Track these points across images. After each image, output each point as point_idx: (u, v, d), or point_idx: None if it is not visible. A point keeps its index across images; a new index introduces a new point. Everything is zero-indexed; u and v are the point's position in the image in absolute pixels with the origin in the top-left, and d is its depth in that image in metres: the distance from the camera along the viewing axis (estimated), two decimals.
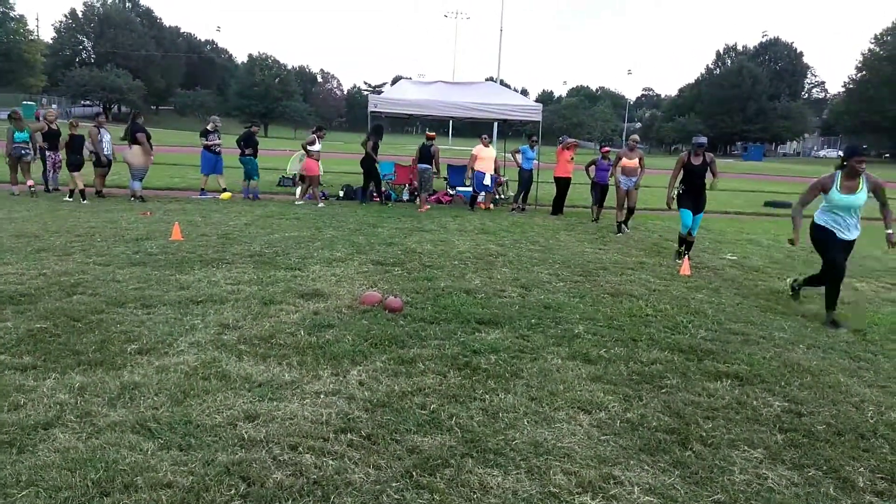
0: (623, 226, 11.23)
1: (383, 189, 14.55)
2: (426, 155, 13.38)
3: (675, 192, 8.65)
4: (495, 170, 13.87)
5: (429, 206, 13.51)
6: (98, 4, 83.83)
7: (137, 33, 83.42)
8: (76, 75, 71.93)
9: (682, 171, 8.61)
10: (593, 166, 12.46)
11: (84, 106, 77.03)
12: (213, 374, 3.80)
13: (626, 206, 11.28)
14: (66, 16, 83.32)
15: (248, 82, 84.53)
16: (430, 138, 13.48)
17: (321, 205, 12.72)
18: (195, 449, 2.93)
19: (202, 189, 13.55)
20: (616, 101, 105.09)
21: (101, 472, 2.67)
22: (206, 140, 13.42)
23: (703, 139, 8.68)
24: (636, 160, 11.30)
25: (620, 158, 11.34)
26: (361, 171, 13.96)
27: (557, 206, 13.62)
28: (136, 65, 79.59)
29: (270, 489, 2.64)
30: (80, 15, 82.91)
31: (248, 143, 13.42)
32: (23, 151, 12.19)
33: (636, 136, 12.18)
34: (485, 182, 13.38)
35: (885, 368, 4.59)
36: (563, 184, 13.52)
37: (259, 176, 13.76)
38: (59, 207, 10.66)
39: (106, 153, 12.54)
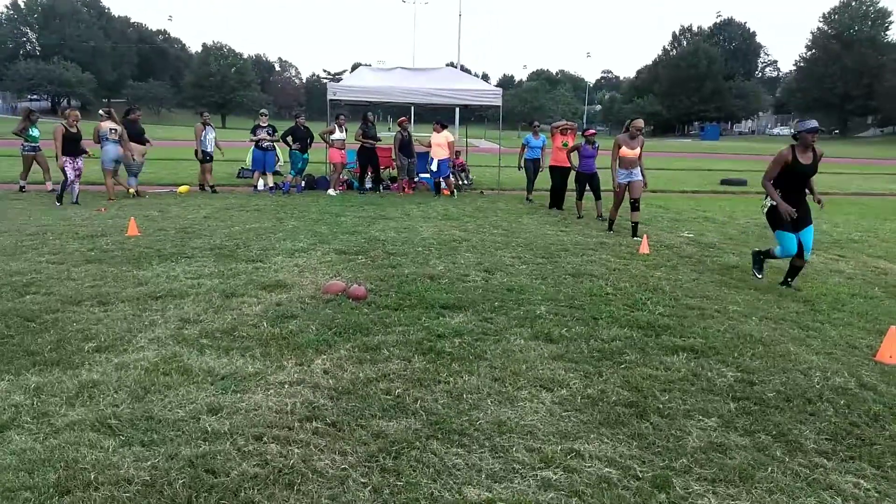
0: (635, 228, 9.00)
1: (346, 178, 14.52)
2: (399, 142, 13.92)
3: (768, 203, 6.12)
4: (456, 154, 14.04)
5: (410, 191, 14.16)
6: None
7: (85, 24, 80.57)
8: (21, 69, 69.26)
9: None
10: (576, 153, 10.88)
11: (31, 100, 74.14)
12: (175, 369, 3.76)
13: (632, 201, 9.05)
14: (7, 6, 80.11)
15: (204, 73, 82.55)
16: (400, 125, 13.98)
17: (333, 193, 13.20)
18: (157, 444, 2.91)
19: (270, 186, 13.69)
20: (576, 83, 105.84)
21: (60, 472, 2.64)
22: (254, 136, 13.68)
23: (643, 122, 7.07)
24: (638, 149, 8.93)
25: (619, 147, 8.89)
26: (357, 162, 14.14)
27: (554, 199, 12.05)
28: (85, 57, 76.89)
29: (235, 480, 2.65)
30: (21, 5, 79.54)
31: (295, 138, 13.57)
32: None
33: (640, 121, 9.19)
34: (430, 167, 13.50)
35: (832, 336, 4.80)
36: (557, 174, 11.97)
37: (295, 171, 13.90)
38: (9, 206, 10.30)
39: (208, 150, 13.24)
